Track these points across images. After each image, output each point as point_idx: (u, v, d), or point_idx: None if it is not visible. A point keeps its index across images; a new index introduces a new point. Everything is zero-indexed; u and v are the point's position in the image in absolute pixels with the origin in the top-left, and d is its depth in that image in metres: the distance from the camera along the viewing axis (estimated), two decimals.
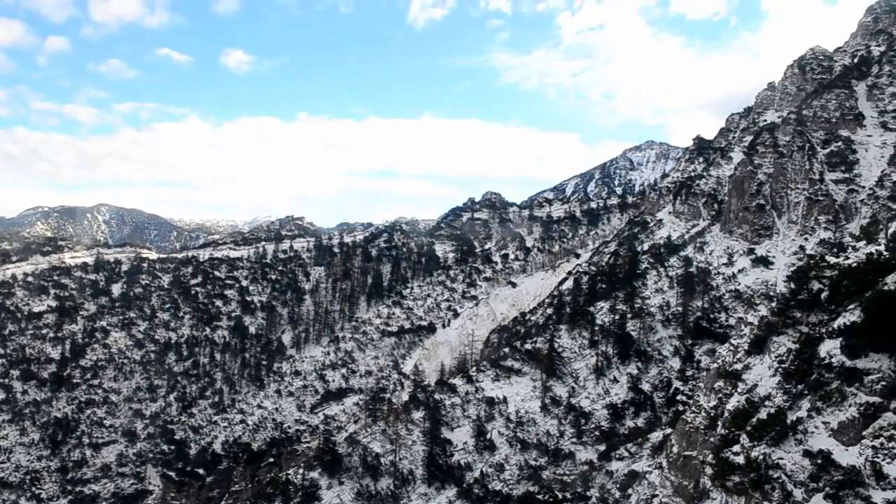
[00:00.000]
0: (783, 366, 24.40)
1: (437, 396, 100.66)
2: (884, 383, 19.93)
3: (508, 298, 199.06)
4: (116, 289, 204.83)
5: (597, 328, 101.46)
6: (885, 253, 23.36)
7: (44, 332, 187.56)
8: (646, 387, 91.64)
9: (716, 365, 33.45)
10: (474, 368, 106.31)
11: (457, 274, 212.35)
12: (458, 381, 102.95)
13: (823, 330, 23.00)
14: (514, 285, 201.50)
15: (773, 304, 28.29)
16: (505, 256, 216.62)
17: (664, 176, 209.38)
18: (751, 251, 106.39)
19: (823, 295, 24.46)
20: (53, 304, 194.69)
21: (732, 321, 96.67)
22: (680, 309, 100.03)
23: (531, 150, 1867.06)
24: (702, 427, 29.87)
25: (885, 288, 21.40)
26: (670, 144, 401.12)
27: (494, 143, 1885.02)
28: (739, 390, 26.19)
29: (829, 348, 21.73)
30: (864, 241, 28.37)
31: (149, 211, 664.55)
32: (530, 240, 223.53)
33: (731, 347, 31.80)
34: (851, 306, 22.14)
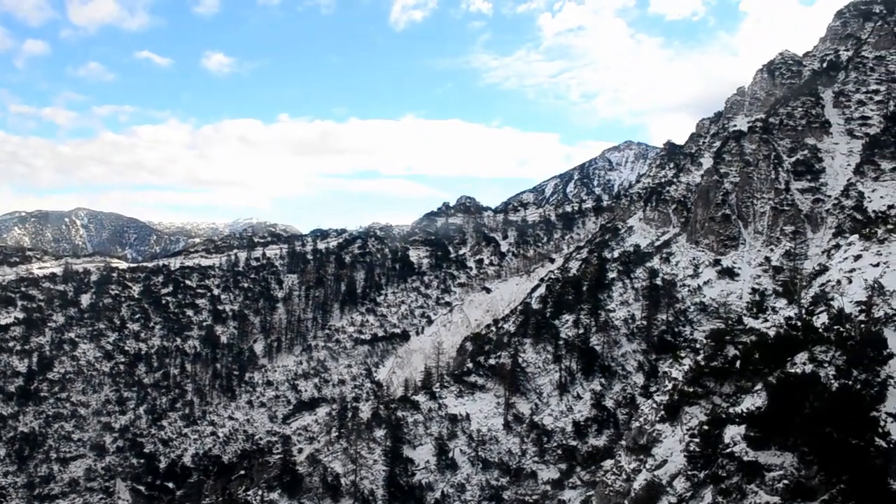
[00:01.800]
0: (694, 440, 22.79)
1: (399, 413, 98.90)
2: (786, 482, 18.28)
3: (483, 304, 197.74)
4: (85, 299, 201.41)
5: (561, 342, 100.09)
6: (798, 323, 21.85)
7: (10, 344, 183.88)
8: (609, 403, 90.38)
9: (637, 424, 31.96)
10: (438, 384, 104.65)
11: (431, 280, 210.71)
12: (421, 398, 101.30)
13: (731, 410, 21.40)
14: (488, 291, 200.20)
15: (688, 368, 26.75)
16: (480, 261, 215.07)
17: (637, 181, 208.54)
18: (717, 262, 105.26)
19: (738, 363, 23.02)
20: (20, 315, 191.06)
21: (697, 335, 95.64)
22: (645, 322, 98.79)
23: (512, 150, 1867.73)
24: (620, 492, 28.36)
25: (792, 370, 19.83)
26: (649, 145, 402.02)
27: (476, 143, 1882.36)
28: (648, 465, 24.64)
29: (733, 434, 20.13)
30: (786, 301, 26.95)
31: (128, 214, 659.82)
32: (505, 244, 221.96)
33: (654, 405, 30.26)
34: (758, 387, 20.56)
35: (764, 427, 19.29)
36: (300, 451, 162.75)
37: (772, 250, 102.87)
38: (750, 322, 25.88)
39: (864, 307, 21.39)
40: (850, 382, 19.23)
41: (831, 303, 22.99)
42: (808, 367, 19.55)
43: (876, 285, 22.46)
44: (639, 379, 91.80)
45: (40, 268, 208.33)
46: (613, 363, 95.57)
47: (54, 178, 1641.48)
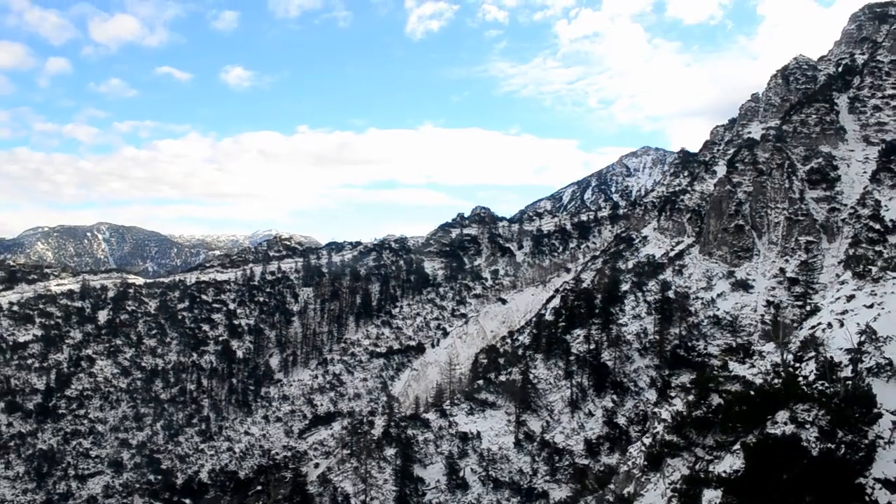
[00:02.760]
0: (675, 495, 21.61)
1: (409, 432, 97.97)
2: None
3: (498, 315, 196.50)
4: (102, 316, 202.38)
5: (572, 358, 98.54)
6: (784, 371, 20.57)
7: (29, 362, 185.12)
8: (621, 420, 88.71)
9: (625, 468, 30.67)
10: (448, 402, 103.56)
11: (446, 291, 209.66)
12: (431, 416, 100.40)
13: (710, 468, 20.18)
14: (504, 302, 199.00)
15: (674, 413, 25.39)
16: (495, 272, 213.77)
17: (651, 189, 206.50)
18: (730, 274, 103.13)
19: (720, 415, 21.76)
20: (39, 333, 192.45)
21: (711, 349, 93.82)
22: (657, 337, 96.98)
23: (531, 157, 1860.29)
24: None
25: (772, 431, 18.59)
26: (666, 150, 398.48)
27: (495, 151, 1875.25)
28: None
29: (711, 498, 18.92)
30: (773, 345, 25.51)
31: (148, 228, 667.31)
32: (520, 255, 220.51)
33: (642, 448, 28.95)
34: (736, 447, 19.34)
35: (741, 493, 18.09)
36: (316, 465, 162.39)
37: (787, 261, 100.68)
38: (736, 368, 24.53)
39: (854, 355, 20.09)
40: (834, 446, 17.96)
41: (821, 348, 21.70)
42: (789, 428, 18.30)
43: (868, 330, 21.13)
44: (651, 395, 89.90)
45: (58, 285, 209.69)
46: (625, 379, 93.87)
47: (76, 193, 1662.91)
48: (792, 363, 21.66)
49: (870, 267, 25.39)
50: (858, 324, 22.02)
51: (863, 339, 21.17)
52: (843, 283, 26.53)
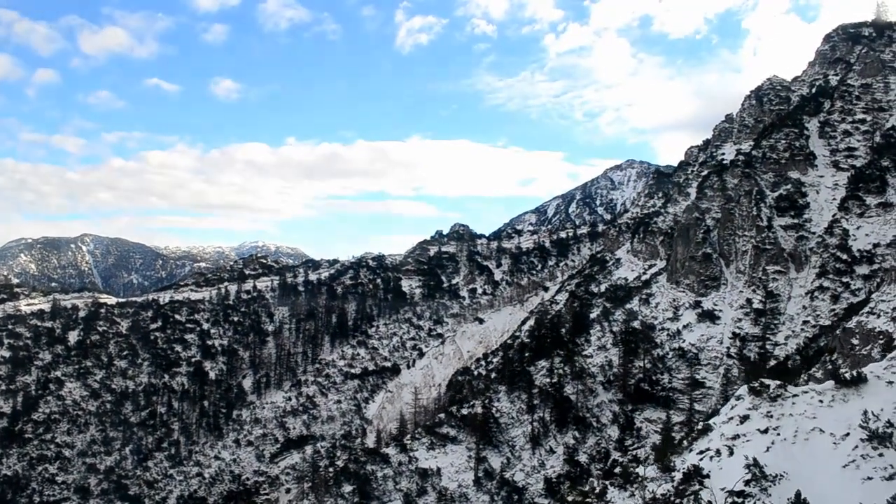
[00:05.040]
0: None
1: (369, 468, 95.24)
2: None
3: (475, 335, 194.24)
4: (73, 336, 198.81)
5: (535, 391, 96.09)
6: None
7: None
8: (583, 458, 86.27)
9: None
10: (409, 437, 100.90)
11: (423, 310, 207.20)
12: (391, 451, 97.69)
13: None
14: (481, 322, 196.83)
15: None
16: (473, 291, 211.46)
17: (626, 210, 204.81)
18: (697, 304, 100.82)
19: None
20: (6, 354, 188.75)
21: (676, 383, 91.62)
22: (621, 370, 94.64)
23: (518, 169, 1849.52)
24: None
25: None
26: (651, 163, 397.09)
27: (482, 163, 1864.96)
28: None
29: None
30: (658, 469, 22.89)
31: (134, 240, 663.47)
32: (499, 273, 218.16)
33: None
34: None
35: None
36: (288, 491, 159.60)
37: (754, 291, 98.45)
38: (614, 497, 22.02)
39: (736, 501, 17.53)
40: None
41: (705, 481, 19.25)
42: None
43: (755, 466, 18.62)
44: (613, 432, 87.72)
45: (28, 304, 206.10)
46: (588, 414, 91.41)
47: (63, 204, 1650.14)
48: (672, 498, 19.20)
49: (768, 383, 22.97)
50: (746, 456, 19.52)
51: (749, 477, 18.66)
52: (739, 398, 24.05)
